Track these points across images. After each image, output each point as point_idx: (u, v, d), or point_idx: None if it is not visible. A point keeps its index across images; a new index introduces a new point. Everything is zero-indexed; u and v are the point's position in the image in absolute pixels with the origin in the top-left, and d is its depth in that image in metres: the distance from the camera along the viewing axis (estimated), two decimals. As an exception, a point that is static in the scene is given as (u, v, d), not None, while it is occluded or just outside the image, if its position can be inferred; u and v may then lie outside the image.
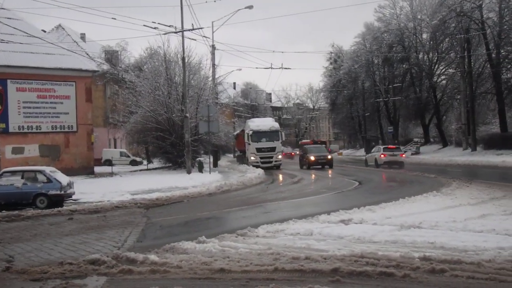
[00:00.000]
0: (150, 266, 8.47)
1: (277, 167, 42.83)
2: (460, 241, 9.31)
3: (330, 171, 36.50)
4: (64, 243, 11.36)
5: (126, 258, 8.99)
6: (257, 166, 38.63)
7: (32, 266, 9.04)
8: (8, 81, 31.40)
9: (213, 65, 43.03)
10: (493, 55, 46.61)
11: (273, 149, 42.87)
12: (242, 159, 50.64)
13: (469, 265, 7.69)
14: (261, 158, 42.16)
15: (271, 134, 43.42)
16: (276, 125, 45.79)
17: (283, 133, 46.28)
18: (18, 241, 11.99)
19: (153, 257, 9.01)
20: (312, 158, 41.00)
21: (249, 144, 43.47)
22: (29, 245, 11.40)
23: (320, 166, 40.90)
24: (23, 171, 19.87)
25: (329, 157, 42.20)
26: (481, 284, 6.84)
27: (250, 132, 43.30)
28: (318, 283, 6.83)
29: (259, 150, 42.57)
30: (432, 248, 8.95)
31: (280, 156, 44.15)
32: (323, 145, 54.85)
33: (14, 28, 25.91)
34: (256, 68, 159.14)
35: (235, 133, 59.69)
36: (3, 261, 9.63)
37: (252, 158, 42.55)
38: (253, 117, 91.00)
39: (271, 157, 42.65)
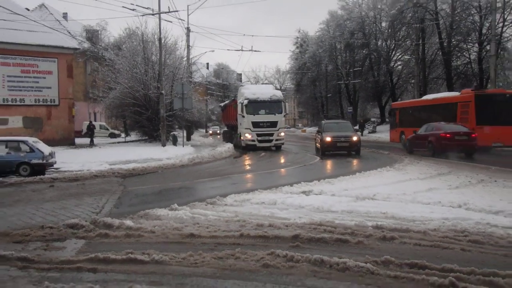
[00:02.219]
0: (125, 231, 8.42)
1: (278, 147, 32.37)
2: (409, 211, 9.48)
3: (294, 147, 36.49)
4: (45, 209, 11.22)
5: (103, 223, 8.94)
6: (253, 146, 31.38)
7: (15, 229, 8.91)
8: (-7, 56, 30.71)
9: (188, 46, 42.57)
10: (445, 44, 47.09)
11: (274, 124, 31.48)
12: (230, 136, 40.68)
13: (416, 233, 7.83)
14: (258, 135, 31.24)
15: (271, 105, 31.83)
16: (278, 94, 33.35)
17: (286, 105, 34.44)
18: (1, 206, 11.79)
19: (128, 222, 8.97)
20: (329, 139, 25.26)
21: (243, 117, 31.85)
22: (12, 210, 11.24)
23: (343, 152, 25.67)
24: (7, 141, 19.48)
25: (355, 138, 25.32)
26: (427, 250, 6.97)
27: (245, 102, 31.52)
28: (280, 248, 6.88)
29: (256, 125, 31.30)
30: (384, 217, 9.11)
31: (282, 134, 32.13)
32: (347, 122, 32.91)
33: (-1, 5, 25.22)
34: (228, 50, 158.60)
35: (223, 104, 52.55)
36: (-13, 225, 9.50)
37: (247, 135, 31.44)
38: (224, 96, 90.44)
39: (271, 135, 31.40)
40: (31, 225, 9.28)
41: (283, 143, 32.66)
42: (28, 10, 42.37)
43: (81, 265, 6.54)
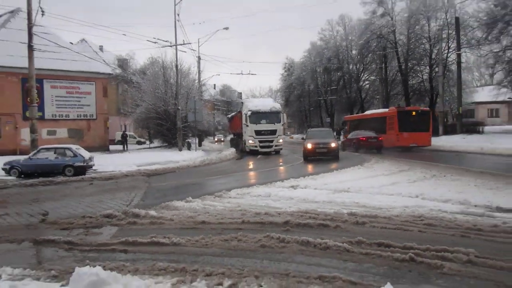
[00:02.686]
0: (150, 219, 8.39)
1: (277, 152, 30.76)
2: (377, 201, 9.45)
3: (285, 151, 36.22)
4: (85, 202, 11.19)
5: (132, 213, 8.90)
6: (255, 151, 29.79)
7: (61, 218, 8.89)
8: (44, 80, 30.66)
9: (199, 71, 42.65)
10: (403, 67, 47.21)
11: (273, 132, 30.19)
12: (236, 143, 37.43)
13: (383, 219, 7.82)
14: (260, 142, 29.89)
15: (271, 116, 30.49)
16: (277, 106, 31.83)
17: (284, 115, 32.75)
18: (51, 200, 11.78)
19: (152, 212, 8.93)
20: (309, 146, 22.91)
21: (247, 126, 30.51)
22: (59, 203, 11.21)
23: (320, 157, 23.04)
24: (55, 148, 19.45)
25: (333, 145, 22.96)
26: (391, 232, 6.95)
27: (249, 113, 30.26)
28: (274, 232, 6.86)
29: (258, 133, 29.96)
30: (357, 206, 9.08)
31: (281, 141, 30.77)
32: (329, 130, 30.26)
33: (48, 40, 25.19)
34: (231, 73, 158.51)
35: (229, 115, 50.07)
36: (40, 215, 9.45)
37: (251, 141, 30.09)
38: (228, 110, 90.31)
39: (271, 141, 30.05)
40: (74, 215, 9.25)
41: (281, 148, 31.02)
42: (72, 43, 42.34)
43: (114, 247, 6.51)
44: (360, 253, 5.77)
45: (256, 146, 29.75)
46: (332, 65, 61.90)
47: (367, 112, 37.85)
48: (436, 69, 42.85)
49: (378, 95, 54.78)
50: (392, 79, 51.11)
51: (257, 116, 30.18)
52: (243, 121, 31.12)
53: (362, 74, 60.08)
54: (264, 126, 29.98)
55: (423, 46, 46.17)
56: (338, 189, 11.32)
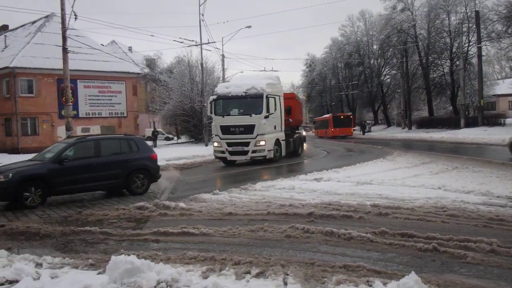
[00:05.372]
0: (179, 211, 8.49)
1: (261, 160, 18.00)
2: (399, 193, 9.32)
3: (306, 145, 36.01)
4: (119, 195, 11.38)
5: (162, 205, 9.02)
6: (223, 160, 18.60)
7: (97, 210, 9.09)
8: (78, 81, 31.34)
9: (223, 68, 42.57)
10: (423, 61, 46.33)
11: (249, 129, 17.40)
12: None
13: (405, 210, 7.72)
14: (228, 145, 17.69)
15: (247, 102, 17.71)
16: (260, 85, 17.89)
17: (281, 98, 19.55)
18: (86, 193, 12.01)
19: (181, 204, 9.04)
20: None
21: (212, 119, 19.14)
22: (94, 195, 11.43)
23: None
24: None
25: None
26: (414, 223, 6.86)
27: (212, 99, 18.43)
28: (298, 223, 6.86)
29: (225, 130, 17.77)
30: (380, 198, 8.97)
31: (262, 143, 17.56)
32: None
33: (81, 42, 25.68)
34: (254, 70, 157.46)
35: None
36: (76, 207, 9.68)
37: (216, 144, 18.30)
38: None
39: (246, 144, 17.47)
40: (109, 207, 9.44)
41: (265, 156, 17.85)
42: (103, 45, 43.04)
43: (147, 237, 6.63)
44: (383, 243, 5.72)
45: (223, 152, 18.02)
46: (353, 60, 61.23)
47: (324, 116, 55.82)
48: (457, 63, 41.90)
49: (399, 89, 53.86)
50: (413, 73, 50.17)
51: (225, 103, 18.09)
52: (208, 112, 20.28)
53: (383, 69, 59.18)
54: (234, 119, 17.79)
55: (443, 40, 45.22)
56: (361, 182, 11.20)
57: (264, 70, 47.17)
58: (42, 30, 32.78)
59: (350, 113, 54.72)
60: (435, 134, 35.47)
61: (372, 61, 60.88)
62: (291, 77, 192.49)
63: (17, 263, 5.26)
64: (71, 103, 22.34)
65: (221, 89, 18.63)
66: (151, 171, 11.44)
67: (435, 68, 47.57)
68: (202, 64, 32.43)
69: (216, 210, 8.40)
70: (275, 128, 18.59)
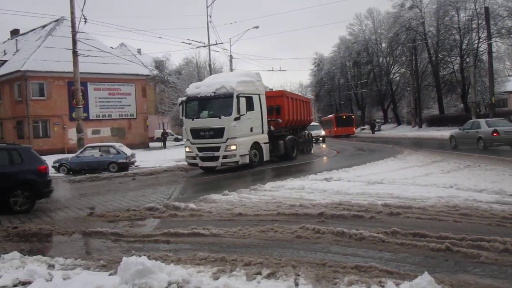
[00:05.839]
0: (189, 212, 8.50)
1: (232, 167, 16.77)
2: (411, 192, 9.21)
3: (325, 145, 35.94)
4: (129, 196, 11.46)
5: (173, 206, 9.04)
6: (194, 165, 17.00)
7: (108, 211, 9.13)
8: (88, 83, 31.55)
9: (231, 69, 42.62)
10: (433, 58, 46.00)
11: (218, 132, 15.79)
12: None
13: (417, 209, 7.64)
14: (199, 150, 16.08)
15: (216, 103, 16.22)
16: (231, 83, 16.19)
17: (261, 97, 17.66)
18: (98, 195, 12.13)
19: (191, 205, 9.04)
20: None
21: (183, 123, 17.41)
22: (105, 197, 11.53)
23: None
24: (100, 146, 20.01)
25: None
26: (426, 222, 6.78)
27: (181, 100, 17.08)
28: (309, 223, 6.81)
29: (195, 134, 16.18)
30: (391, 197, 8.87)
31: (233, 147, 15.82)
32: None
33: (91, 45, 25.94)
34: (262, 70, 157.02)
35: None
36: (88, 208, 9.75)
37: (187, 149, 16.84)
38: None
39: (217, 149, 15.85)
40: (119, 208, 9.49)
41: (237, 162, 16.13)
42: (112, 48, 43.36)
43: (158, 238, 6.64)
44: (395, 243, 5.66)
45: (194, 158, 16.38)
46: (362, 58, 61.00)
47: (327, 116, 58.06)
48: (467, 60, 41.42)
49: (409, 87, 53.53)
50: (422, 71, 49.83)
51: (195, 105, 16.58)
52: (180, 115, 17.70)
53: (392, 67, 58.85)
54: (204, 122, 16.12)
55: (453, 37, 44.85)
56: (372, 181, 11.09)
57: (272, 70, 47.22)
58: (53, 34, 33.10)
59: (351, 113, 56.78)
60: (446, 132, 35.07)
61: (381, 60, 60.60)
62: (300, 77, 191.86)
63: (30, 264, 5.31)
64: (81, 106, 22.58)
65: (191, 89, 17.02)
66: (37, 186, 9.90)
67: (445, 66, 47.22)
68: (210, 65, 32.53)
69: (226, 211, 8.38)
70: (251, 131, 16.67)
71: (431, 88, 50.30)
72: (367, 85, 61.12)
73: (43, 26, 36.74)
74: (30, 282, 4.68)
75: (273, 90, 24.37)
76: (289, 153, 19.45)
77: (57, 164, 19.16)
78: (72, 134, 28.80)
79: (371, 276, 4.50)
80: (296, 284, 4.36)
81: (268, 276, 4.64)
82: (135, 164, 20.50)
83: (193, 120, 16.30)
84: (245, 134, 16.30)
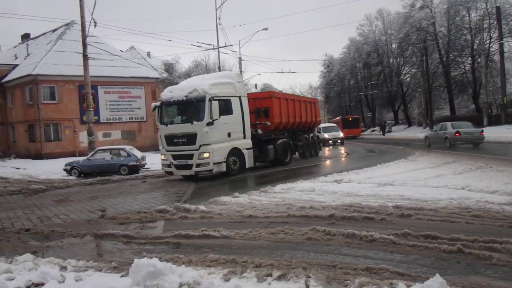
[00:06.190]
0: (200, 214, 8.54)
1: (204, 176, 15.23)
2: (422, 194, 9.16)
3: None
4: (140, 198, 11.54)
5: (183, 208, 9.08)
6: (169, 173, 16.09)
7: (119, 214, 9.21)
8: (98, 87, 31.81)
9: (240, 71, 42.77)
10: (444, 59, 45.63)
11: (191, 139, 14.71)
12: None
13: (428, 211, 7.59)
14: (174, 157, 15.16)
15: (189, 108, 15.24)
16: (203, 86, 15.04)
17: (242, 100, 16.40)
18: (109, 197, 12.22)
19: (202, 207, 9.08)
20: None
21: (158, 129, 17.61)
22: (116, 199, 11.61)
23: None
24: (111, 149, 20.16)
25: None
26: (438, 224, 6.74)
27: (155, 105, 16.28)
28: (319, 225, 6.80)
29: (170, 141, 15.29)
30: (402, 199, 8.84)
31: (206, 155, 14.62)
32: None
33: (101, 49, 26.15)
34: (271, 72, 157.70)
35: None
36: (99, 211, 9.85)
37: (162, 157, 15.84)
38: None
39: (190, 156, 14.75)
40: (130, 211, 9.57)
41: (211, 170, 14.97)
42: (122, 51, 43.71)
43: (168, 240, 6.68)
44: (406, 245, 5.64)
45: (169, 165, 15.53)
46: (372, 59, 60.69)
47: (335, 118, 59.62)
48: (479, 60, 41.12)
49: (419, 88, 53.16)
50: (433, 72, 49.46)
51: (168, 110, 15.84)
52: (156, 121, 17.56)
53: (402, 68, 58.52)
54: (177, 128, 15.30)
55: (464, 37, 44.50)
56: (382, 183, 11.06)
57: (282, 72, 47.28)
58: (63, 38, 33.46)
59: (357, 115, 57.72)
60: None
61: (391, 60, 60.26)
62: (309, 78, 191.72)
63: (43, 266, 5.38)
64: (92, 109, 22.78)
65: (165, 93, 16.15)
66: None
67: (456, 66, 46.85)
68: (219, 67, 32.73)
69: (236, 213, 8.41)
70: (229, 136, 15.54)
71: (442, 89, 49.93)
72: (377, 86, 60.84)
73: (54, 30, 37.15)
74: (42, 284, 4.74)
75: (282, 91, 23.94)
76: (280, 158, 18.36)
77: (68, 167, 19.37)
78: (83, 137, 29.08)
79: (382, 278, 4.49)
80: (307, 286, 4.36)
81: (279, 278, 4.65)
82: (146, 166, 20.61)
83: (167, 126, 15.47)
84: (221, 139, 15.18)
